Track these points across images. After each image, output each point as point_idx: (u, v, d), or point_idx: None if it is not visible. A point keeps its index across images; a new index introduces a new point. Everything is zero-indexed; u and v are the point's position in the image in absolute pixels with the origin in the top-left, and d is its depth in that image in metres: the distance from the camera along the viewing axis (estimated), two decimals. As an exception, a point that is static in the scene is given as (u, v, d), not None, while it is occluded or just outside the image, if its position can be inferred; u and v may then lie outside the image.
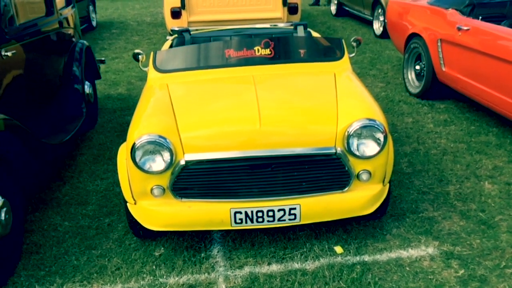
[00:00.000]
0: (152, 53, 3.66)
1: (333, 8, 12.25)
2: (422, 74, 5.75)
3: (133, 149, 2.74)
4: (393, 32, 6.57)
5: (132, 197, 2.94)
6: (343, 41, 3.75)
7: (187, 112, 2.98)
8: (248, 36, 4.51)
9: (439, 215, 3.41)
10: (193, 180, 2.81)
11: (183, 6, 7.86)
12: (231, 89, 3.32)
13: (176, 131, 2.81)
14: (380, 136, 2.82)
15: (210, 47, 3.62)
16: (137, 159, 2.75)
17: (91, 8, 11.46)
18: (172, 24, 8.02)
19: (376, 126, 2.81)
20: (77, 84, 4.81)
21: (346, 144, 2.80)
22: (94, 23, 11.64)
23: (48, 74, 4.30)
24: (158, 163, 2.76)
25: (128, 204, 3.00)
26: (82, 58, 4.96)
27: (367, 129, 2.81)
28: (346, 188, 2.90)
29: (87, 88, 5.18)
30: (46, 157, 3.81)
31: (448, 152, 4.38)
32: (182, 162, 2.76)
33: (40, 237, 3.35)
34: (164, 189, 2.84)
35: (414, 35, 5.84)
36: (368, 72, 7.02)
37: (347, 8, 11.48)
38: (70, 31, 5.01)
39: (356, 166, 2.86)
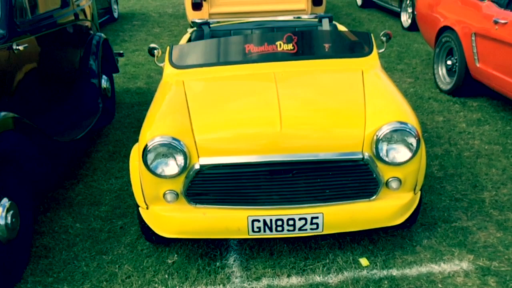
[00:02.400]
0: (168, 47, 3.47)
1: (359, -1, 11.88)
2: (454, 69, 5.44)
3: (145, 152, 2.57)
4: (423, 25, 6.26)
5: (144, 201, 2.77)
6: (371, 35, 3.49)
7: (202, 113, 2.78)
8: (270, 30, 4.28)
9: (474, 225, 3.15)
10: (208, 186, 2.63)
11: (204, -3, 7.65)
12: (250, 87, 3.11)
13: (191, 133, 2.62)
14: (413, 141, 2.57)
15: (229, 42, 3.41)
16: (149, 162, 2.58)
17: (112, -1, 11.36)
18: (193, 16, 7.83)
19: (408, 130, 2.57)
20: (94, 79, 4.66)
21: (374, 149, 2.57)
22: (116, 15, 11.53)
23: (63, 68, 4.16)
24: (171, 167, 2.58)
25: (140, 208, 2.84)
26: (98, 51, 4.81)
27: (398, 133, 2.57)
28: (374, 197, 2.67)
29: (104, 83, 5.04)
30: (59, 156, 3.68)
31: (482, 154, 4.09)
32: (197, 166, 2.57)
33: (50, 239, 3.21)
34: (177, 194, 2.66)
35: (445, 28, 5.52)
36: (395, 67, 6.72)
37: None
38: (87, 24, 4.87)
39: (385, 173, 2.63)
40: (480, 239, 3.02)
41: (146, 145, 2.57)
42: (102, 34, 5.11)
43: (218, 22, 4.98)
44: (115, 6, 11.57)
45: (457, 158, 4.04)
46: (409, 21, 8.92)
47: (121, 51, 5.87)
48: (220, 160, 2.56)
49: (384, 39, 3.53)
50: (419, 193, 2.86)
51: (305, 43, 3.36)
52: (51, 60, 3.90)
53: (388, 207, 2.70)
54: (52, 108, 3.83)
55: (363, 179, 2.63)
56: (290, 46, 3.30)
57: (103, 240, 3.18)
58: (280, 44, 3.29)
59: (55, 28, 4.02)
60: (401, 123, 2.57)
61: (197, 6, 7.79)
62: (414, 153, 2.59)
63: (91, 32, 5.00)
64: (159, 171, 2.58)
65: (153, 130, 2.64)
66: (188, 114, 2.75)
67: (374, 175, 2.61)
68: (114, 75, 6.31)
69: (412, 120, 2.63)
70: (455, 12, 5.41)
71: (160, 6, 13.31)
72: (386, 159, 2.59)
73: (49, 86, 3.81)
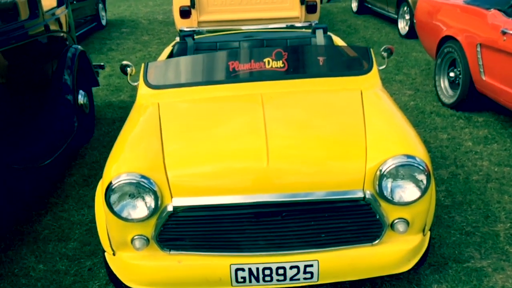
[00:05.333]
0: (143, 64, 3.09)
1: (354, 5, 11.55)
2: (457, 82, 5.09)
3: (108, 191, 2.18)
4: (423, 34, 5.91)
5: (111, 246, 2.39)
6: (371, 50, 3.12)
7: (177, 143, 2.41)
8: (260, 42, 3.92)
9: (489, 265, 2.79)
10: (184, 230, 2.25)
11: (192, 5, 7.28)
12: (233, 112, 2.72)
13: (163, 168, 2.24)
14: (422, 177, 2.20)
15: (211, 59, 3.03)
16: (113, 204, 2.19)
17: (100, 6, 10.97)
18: (181, 24, 7.45)
19: (416, 164, 2.20)
20: (68, 94, 4.28)
21: (377, 187, 2.20)
22: (104, 22, 11.15)
23: (31, 85, 3.77)
24: (140, 209, 2.20)
25: (106, 254, 2.45)
26: (74, 65, 4.43)
27: (405, 169, 2.20)
28: (377, 241, 2.29)
29: (81, 98, 4.66)
30: (23, 185, 3.30)
31: (492, 178, 3.73)
32: (170, 208, 2.19)
33: (8, 284, 2.82)
34: (147, 240, 2.28)
35: (448, 38, 5.17)
36: (394, 78, 6.36)
37: (369, 5, 10.78)
38: (61, 35, 4.48)
39: (390, 213, 2.26)
40: (497, 282, 2.65)
41: (110, 183, 2.19)
42: (79, 46, 4.73)
43: (208, 31, 4.62)
44: (103, 13, 11.20)
45: (465, 183, 3.67)
46: (407, 28, 8.60)
47: (102, 63, 5.48)
48: (197, 201, 2.19)
49: (385, 54, 3.16)
50: (428, 234, 2.49)
51: (297, 60, 2.99)
52: (17, 76, 3.51)
53: (393, 253, 2.32)
54: (18, 130, 3.44)
55: (365, 221, 2.26)
56: (279, 64, 2.92)
57: (68, 285, 2.78)
58: (269, 61, 2.92)
59: (23, 41, 3.64)
60: (409, 156, 2.20)
61: (185, 14, 7.42)
62: (424, 192, 2.22)
63: (67, 43, 4.62)
64: (124, 214, 2.20)
65: (119, 166, 2.26)
66: (161, 145, 2.37)
67: (377, 217, 2.24)
68: (95, 88, 5.94)
69: (420, 153, 2.26)
70: (457, 21, 5.07)
71: (150, 12, 12.95)
72: (391, 198, 2.21)
73: (14, 106, 3.42)
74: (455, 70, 5.12)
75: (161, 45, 9.02)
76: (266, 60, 2.92)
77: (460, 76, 4.95)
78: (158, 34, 10.13)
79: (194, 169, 2.27)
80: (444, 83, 5.35)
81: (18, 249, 3.13)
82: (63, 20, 4.65)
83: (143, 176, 2.17)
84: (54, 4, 4.54)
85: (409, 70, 6.65)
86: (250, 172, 2.21)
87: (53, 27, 4.26)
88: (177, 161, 2.29)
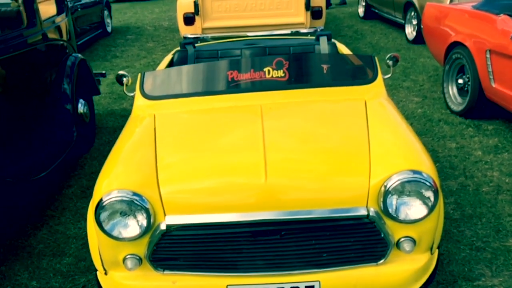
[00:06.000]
0: (139, 74, 2.99)
1: (360, 10, 11.43)
2: (466, 89, 4.95)
3: (98, 209, 2.08)
4: (431, 40, 5.78)
5: (102, 265, 2.28)
6: (375, 58, 3.00)
7: (172, 157, 2.31)
8: (262, 50, 3.81)
9: (500, 283, 2.65)
10: (178, 249, 2.14)
11: (196, 11, 7.20)
12: (231, 124, 2.60)
13: (156, 185, 2.13)
14: (429, 194, 2.08)
15: (209, 68, 2.92)
16: (103, 223, 2.09)
17: (106, 13, 10.96)
18: (185, 31, 7.39)
19: (423, 180, 2.07)
20: (67, 104, 4.19)
21: (382, 204, 2.08)
22: (109, 29, 11.14)
23: (28, 94, 3.69)
24: (131, 228, 2.09)
25: (98, 273, 2.35)
26: (73, 74, 4.35)
27: (412, 185, 2.08)
28: (382, 260, 2.17)
29: (81, 107, 4.58)
30: (17, 199, 3.21)
31: (503, 189, 3.59)
32: (163, 227, 2.09)
33: (0, 302, 2.73)
34: (140, 259, 2.17)
35: (456, 44, 5.04)
36: (401, 84, 6.23)
37: (376, 10, 10.65)
38: (60, 43, 4.40)
39: (396, 232, 2.14)
40: (510, 303, 2.51)
41: (101, 200, 2.08)
42: (79, 54, 4.65)
43: (213, 37, 4.50)
44: (108, 20, 11.18)
45: (475, 195, 3.53)
46: (414, 33, 8.46)
47: (103, 71, 5.41)
48: (191, 219, 2.08)
49: (390, 62, 3.03)
50: (436, 252, 2.36)
51: (298, 69, 2.88)
52: (13, 86, 3.44)
53: (399, 273, 2.19)
54: (15, 141, 3.36)
55: (369, 240, 2.13)
56: (280, 73, 2.81)
57: (60, 303, 2.69)
58: (269, 71, 2.81)
59: (20, 50, 3.56)
60: (415, 172, 2.08)
61: (189, 21, 7.34)
62: (431, 209, 2.09)
63: (67, 52, 4.55)
64: (115, 233, 2.09)
65: (110, 182, 2.16)
66: (155, 160, 2.27)
67: (382, 235, 2.12)
68: (98, 96, 5.88)
69: (427, 168, 2.13)
70: (466, 26, 4.93)
71: (156, 19, 12.93)
72: (397, 216, 2.09)
73: (9, 115, 3.34)
74: (463, 76, 4.98)
75: (165, 52, 8.95)
76: (266, 69, 2.81)
77: (469, 83, 4.81)
78: (163, 40, 10.08)
79: (189, 185, 2.16)
80: (452, 90, 5.21)
81: (11, 265, 3.04)
82: (63, 28, 4.58)
83: (135, 193, 2.07)
84: (54, 12, 4.47)
85: (417, 76, 6.52)
86: (247, 188, 2.09)
87: (52, 35, 4.19)
88: (171, 176, 2.18)
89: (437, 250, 2.36)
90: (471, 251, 2.92)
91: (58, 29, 4.45)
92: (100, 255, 2.28)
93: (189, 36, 7.90)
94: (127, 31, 11.36)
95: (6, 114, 3.30)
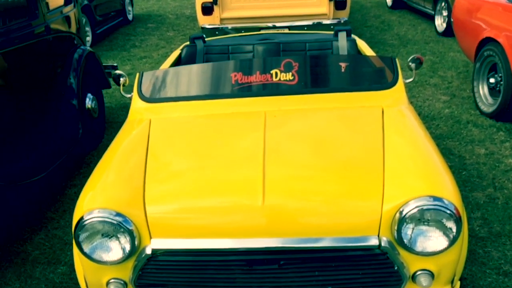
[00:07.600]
0: (137, 74, 2.77)
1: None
2: (498, 89, 4.59)
3: (77, 230, 1.88)
4: (461, 35, 5.40)
5: (87, 287, 2.10)
6: (396, 60, 2.70)
7: (161, 172, 2.09)
8: (275, 45, 3.54)
9: (531, 316, 2.37)
10: (165, 275, 1.93)
11: (215, 1, 6.95)
12: (229, 134, 2.35)
13: (142, 204, 1.92)
14: (451, 224, 1.81)
15: (212, 69, 2.68)
16: (83, 244, 1.89)
17: (127, 0, 10.79)
18: (204, 21, 7.17)
19: (444, 209, 1.80)
20: (72, 99, 4.03)
21: (396, 233, 1.82)
22: (130, 17, 10.97)
23: (30, 89, 3.53)
24: (114, 251, 1.89)
25: (83, 294, 2.16)
26: (80, 67, 4.17)
27: (431, 213, 1.81)
28: (395, 295, 1.92)
29: (89, 102, 4.41)
30: (15, 202, 3.06)
31: (536, 203, 3.27)
32: (148, 251, 1.88)
33: (-13, 315, 2.58)
34: (125, 283, 1.97)
35: (488, 40, 4.67)
36: (428, 81, 5.87)
37: (405, 0, 10.20)
38: (66, 36, 4.22)
39: (412, 264, 1.88)
40: None
41: (81, 219, 1.89)
42: (88, 47, 4.47)
43: (233, 28, 4.23)
44: (129, 8, 11.01)
45: (504, 209, 3.22)
46: (444, 25, 8.02)
47: (115, 63, 5.23)
48: (178, 243, 1.86)
49: (413, 65, 2.71)
50: (458, 284, 2.09)
51: (309, 71, 2.60)
52: (14, 80, 3.28)
53: (414, 309, 1.94)
54: (14, 139, 3.20)
55: (381, 273, 1.89)
56: (289, 76, 2.54)
57: (49, 319, 2.52)
58: (277, 73, 2.54)
59: (21, 44, 3.39)
60: (435, 198, 1.81)
61: (207, 11, 7.09)
62: (453, 241, 1.83)
63: (74, 44, 4.37)
64: (96, 256, 1.89)
65: (92, 199, 1.96)
66: (144, 174, 2.05)
67: (396, 268, 1.87)
68: (112, 88, 5.70)
69: (449, 193, 1.86)
70: (500, 21, 4.55)
71: (178, 7, 12.70)
72: (413, 247, 1.83)
73: (9, 111, 3.18)
74: (496, 75, 4.62)
75: (185, 41, 8.74)
76: (273, 71, 2.54)
77: (502, 82, 4.45)
78: (183, 30, 9.87)
79: (177, 205, 1.94)
80: (483, 90, 4.85)
81: (4, 272, 2.90)
82: (71, 20, 4.40)
83: (118, 214, 1.86)
84: (61, 2, 4.28)
85: (445, 73, 6.14)
86: (241, 210, 1.86)
87: (57, 27, 4.00)
88: (158, 195, 1.97)
89: (458, 282, 2.09)
90: (497, 276, 2.64)
91: (65, 20, 4.27)
92: (84, 277, 2.09)
93: (207, 26, 7.69)
94: (149, 19, 11.18)
95: (5, 110, 3.14)
